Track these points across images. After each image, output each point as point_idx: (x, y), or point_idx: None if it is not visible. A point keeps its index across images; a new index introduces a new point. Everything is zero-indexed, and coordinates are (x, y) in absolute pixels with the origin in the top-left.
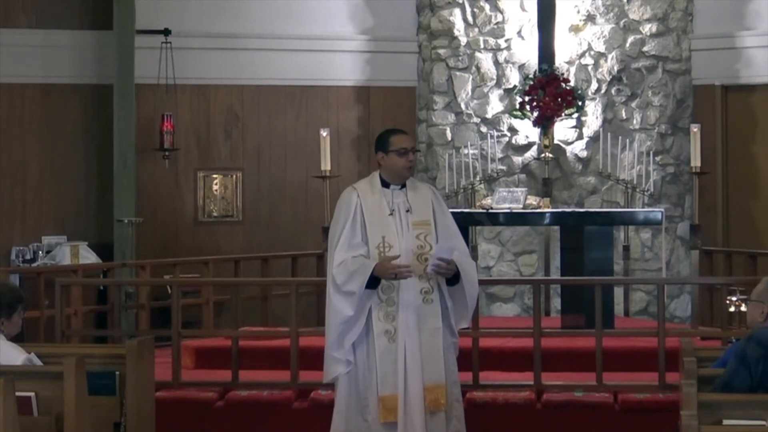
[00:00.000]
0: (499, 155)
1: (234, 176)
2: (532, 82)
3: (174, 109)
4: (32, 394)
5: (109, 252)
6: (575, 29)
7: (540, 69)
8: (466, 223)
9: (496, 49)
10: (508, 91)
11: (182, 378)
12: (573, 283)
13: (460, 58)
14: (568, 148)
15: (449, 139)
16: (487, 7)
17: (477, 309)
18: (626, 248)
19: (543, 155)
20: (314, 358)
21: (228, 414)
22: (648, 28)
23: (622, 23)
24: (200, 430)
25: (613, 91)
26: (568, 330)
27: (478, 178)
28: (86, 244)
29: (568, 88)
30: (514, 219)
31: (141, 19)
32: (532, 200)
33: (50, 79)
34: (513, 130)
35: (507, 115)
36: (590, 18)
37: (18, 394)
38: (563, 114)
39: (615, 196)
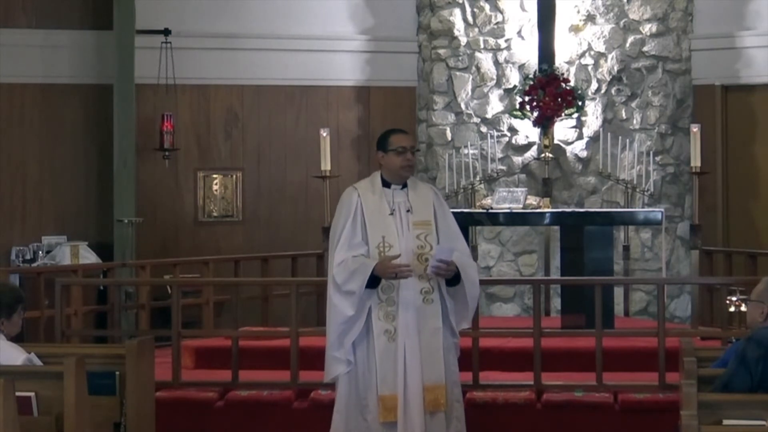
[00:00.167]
0: (499, 155)
1: (234, 176)
2: (532, 82)
3: (174, 109)
4: (32, 394)
5: (109, 252)
6: (575, 29)
7: (540, 69)
8: (466, 223)
9: (496, 49)
10: (508, 91)
11: (182, 378)
12: (573, 283)
13: (460, 58)
14: (568, 148)
15: (449, 139)
16: (487, 7)
17: (477, 309)
18: (626, 248)
19: (543, 155)
20: (314, 358)
21: (228, 414)
22: (648, 28)
23: (622, 23)
24: (200, 430)
25: (613, 91)
26: (568, 330)
27: (478, 178)
28: (86, 244)
29: (568, 88)
30: (514, 219)
31: (141, 19)
32: (532, 200)
33: (50, 79)
34: (513, 130)
35: (507, 115)
36: (590, 18)
37: (18, 394)
38: (563, 114)
39: (615, 196)
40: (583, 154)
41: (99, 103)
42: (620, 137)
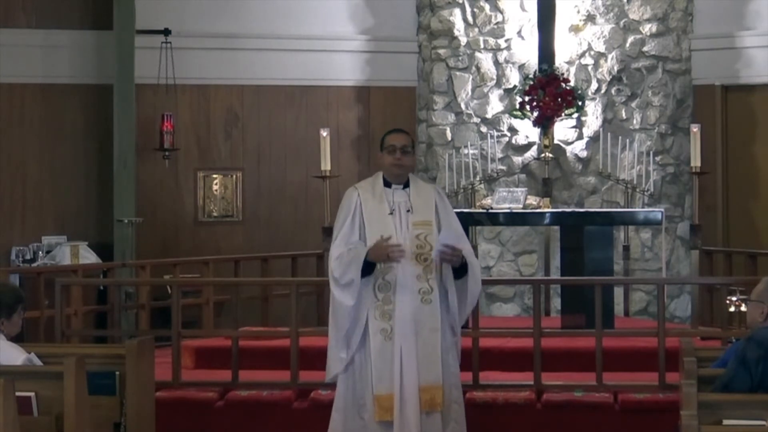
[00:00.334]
0: (499, 155)
1: (234, 176)
2: (532, 82)
3: (174, 109)
4: (32, 394)
5: (109, 252)
6: (575, 29)
7: (540, 69)
8: (466, 223)
9: (496, 49)
10: (508, 91)
11: (182, 378)
12: (573, 283)
13: (460, 58)
14: (568, 148)
15: (449, 139)
16: (487, 7)
17: (477, 309)
18: (626, 248)
19: (543, 155)
20: (314, 358)
21: (228, 414)
22: (648, 28)
23: (622, 23)
24: (200, 430)
25: (613, 91)
26: (568, 330)
27: (478, 178)
28: (86, 244)
29: (568, 88)
30: (514, 219)
31: (141, 19)
32: (532, 200)
33: (50, 79)
34: (513, 130)
35: (507, 115)
36: (590, 18)
37: (18, 394)
38: (563, 114)
39: (615, 196)
40: (583, 154)
41: (99, 103)
42: (620, 137)
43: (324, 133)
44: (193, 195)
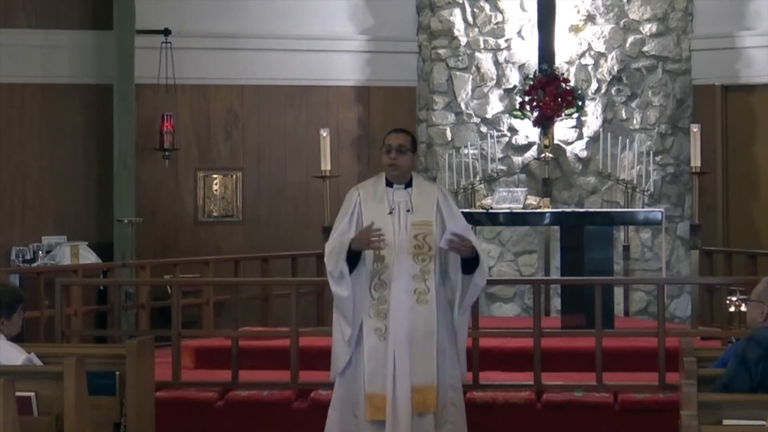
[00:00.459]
0: (499, 155)
1: (234, 176)
2: (532, 82)
3: (174, 109)
4: (32, 394)
5: (109, 252)
6: (575, 29)
7: (540, 69)
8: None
9: (496, 49)
10: (508, 91)
11: (182, 378)
12: (573, 283)
13: (460, 58)
14: (568, 148)
15: (449, 139)
16: (487, 7)
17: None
18: (626, 248)
19: (543, 155)
20: (314, 358)
21: (228, 414)
22: (648, 28)
23: (622, 23)
24: (200, 430)
25: (613, 91)
26: (568, 330)
27: (478, 178)
28: (86, 244)
29: (568, 88)
30: (514, 219)
31: (141, 19)
32: (532, 200)
33: (50, 79)
34: (513, 130)
35: (507, 115)
36: (590, 18)
37: (18, 394)
38: (563, 114)
39: (615, 196)
40: (583, 154)
41: (99, 103)
42: (620, 137)
43: (324, 133)
44: (193, 195)
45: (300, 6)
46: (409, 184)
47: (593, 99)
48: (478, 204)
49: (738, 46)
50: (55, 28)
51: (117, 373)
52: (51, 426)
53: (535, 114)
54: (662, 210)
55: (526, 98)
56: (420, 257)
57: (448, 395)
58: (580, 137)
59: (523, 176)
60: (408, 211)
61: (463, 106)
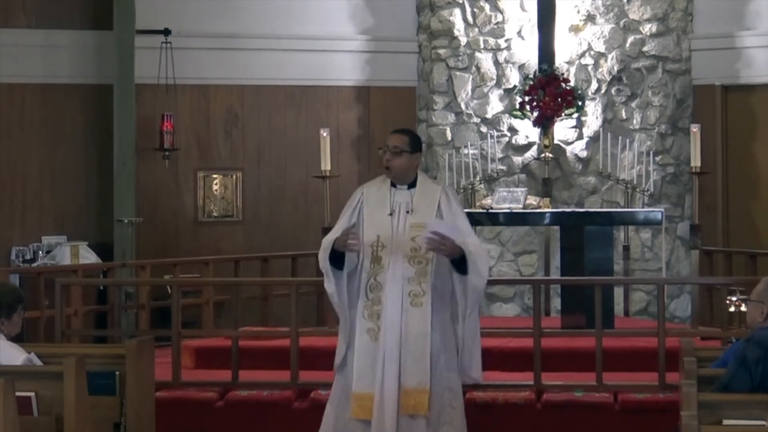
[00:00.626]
0: (499, 155)
1: (234, 176)
2: (532, 82)
3: (174, 109)
4: (32, 394)
5: (109, 252)
6: (575, 29)
7: (540, 69)
8: None
9: (496, 49)
10: (508, 91)
11: (182, 378)
12: (573, 283)
13: (460, 58)
14: (568, 148)
15: (449, 139)
16: (487, 7)
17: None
18: (626, 248)
19: (543, 155)
20: (314, 358)
21: (228, 414)
22: (648, 28)
23: (622, 23)
24: (200, 430)
25: (613, 91)
26: (568, 330)
27: (478, 178)
28: (86, 244)
29: (568, 88)
30: (514, 219)
31: (141, 19)
32: (532, 200)
33: (50, 79)
34: (513, 130)
35: (507, 115)
36: (590, 18)
37: (18, 394)
38: (563, 114)
39: (615, 196)
40: (583, 154)
41: (99, 103)
42: (620, 137)
43: (324, 133)
44: (193, 195)
45: (300, 6)
46: (412, 185)
47: (593, 99)
48: (478, 204)
49: (738, 46)
50: (55, 28)
51: (117, 373)
52: (51, 426)
53: (535, 114)
54: (662, 210)
55: (526, 98)
56: (416, 259)
57: (444, 397)
58: (580, 137)
59: (523, 176)
60: (408, 212)
61: (463, 106)
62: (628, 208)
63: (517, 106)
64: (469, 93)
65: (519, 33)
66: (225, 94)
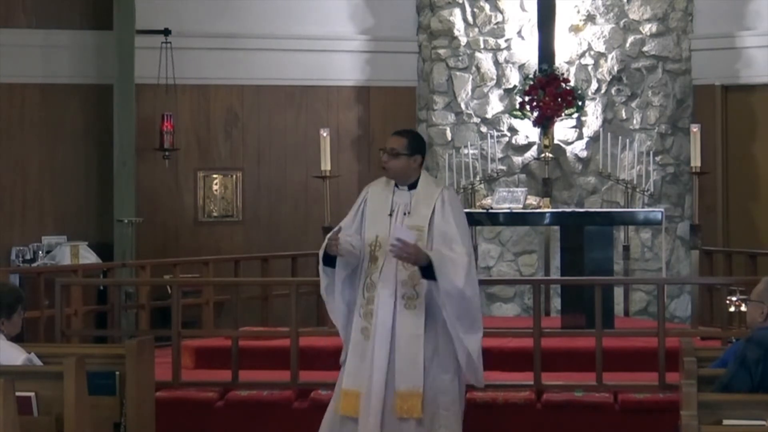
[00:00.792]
0: (499, 155)
1: (234, 176)
2: (532, 82)
3: (174, 109)
4: (32, 394)
5: (109, 252)
6: (575, 29)
7: (540, 69)
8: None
9: (496, 49)
10: (508, 91)
11: (182, 378)
12: (573, 283)
13: (460, 58)
14: (568, 148)
15: (449, 139)
16: (487, 7)
17: None
18: (626, 248)
19: (543, 155)
20: (314, 358)
21: (228, 414)
22: (648, 28)
23: (622, 23)
24: (200, 430)
25: (613, 91)
26: (568, 330)
27: (478, 178)
28: (86, 244)
29: (568, 88)
30: (514, 219)
31: (141, 19)
32: (532, 200)
33: (50, 79)
34: (513, 130)
35: (507, 115)
36: (590, 18)
37: (18, 394)
38: (563, 114)
39: (615, 196)
40: (583, 154)
41: (99, 103)
42: (620, 137)
43: (324, 133)
44: (193, 195)
45: (300, 6)
46: (414, 186)
47: (593, 99)
48: (478, 204)
49: (738, 46)
50: (55, 28)
51: (117, 373)
52: (51, 426)
53: (535, 114)
54: (662, 210)
55: (526, 98)
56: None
57: (438, 401)
58: (580, 137)
59: (523, 176)
60: (405, 213)
61: (463, 106)
62: (628, 208)
63: (517, 106)
64: (469, 93)
65: (519, 33)
66: (225, 94)
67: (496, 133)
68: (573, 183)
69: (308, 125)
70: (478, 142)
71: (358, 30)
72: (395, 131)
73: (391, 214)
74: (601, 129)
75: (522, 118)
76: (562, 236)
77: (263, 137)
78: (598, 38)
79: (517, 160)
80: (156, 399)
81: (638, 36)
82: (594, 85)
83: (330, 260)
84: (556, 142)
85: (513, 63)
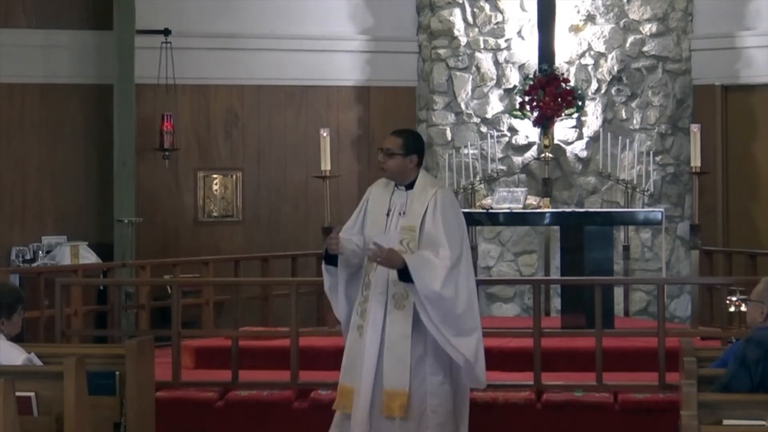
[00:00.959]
0: (499, 155)
1: (234, 176)
2: (532, 82)
3: (174, 109)
4: (32, 394)
5: (109, 252)
6: (575, 29)
7: (540, 69)
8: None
9: (496, 49)
10: (508, 91)
11: (182, 378)
12: (573, 283)
13: (460, 58)
14: (568, 148)
15: (449, 139)
16: (487, 7)
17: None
18: (626, 248)
19: (543, 155)
20: (314, 358)
21: (228, 414)
22: (648, 28)
23: (622, 23)
24: (200, 430)
25: (613, 91)
26: (568, 330)
27: (478, 178)
28: (86, 244)
29: (568, 88)
30: (514, 219)
31: (141, 19)
32: (532, 200)
33: (50, 79)
34: (513, 130)
35: (507, 115)
36: (590, 18)
37: (18, 394)
38: (563, 114)
39: (615, 196)
40: (583, 154)
41: (99, 103)
42: (620, 137)
43: (324, 133)
44: (193, 195)
45: (300, 6)
46: (411, 186)
47: (593, 99)
48: (478, 204)
49: (738, 46)
50: (55, 28)
51: (117, 373)
52: (51, 426)
53: (535, 114)
54: (662, 210)
55: (526, 98)
56: None
57: (427, 402)
58: (580, 137)
59: (523, 176)
60: (401, 214)
61: (463, 106)
62: (628, 208)
63: (517, 106)
64: (469, 93)
65: (519, 33)
66: (225, 94)
67: (496, 133)
68: (573, 183)
69: (308, 125)
70: (478, 142)
71: (358, 30)
72: (393, 131)
73: (388, 214)
74: (601, 129)
75: (522, 118)
76: (562, 236)
77: (263, 137)
78: (598, 38)
79: (517, 160)
80: (156, 399)
81: (638, 36)
82: (594, 85)
83: (332, 259)
84: (556, 142)
85: (513, 63)
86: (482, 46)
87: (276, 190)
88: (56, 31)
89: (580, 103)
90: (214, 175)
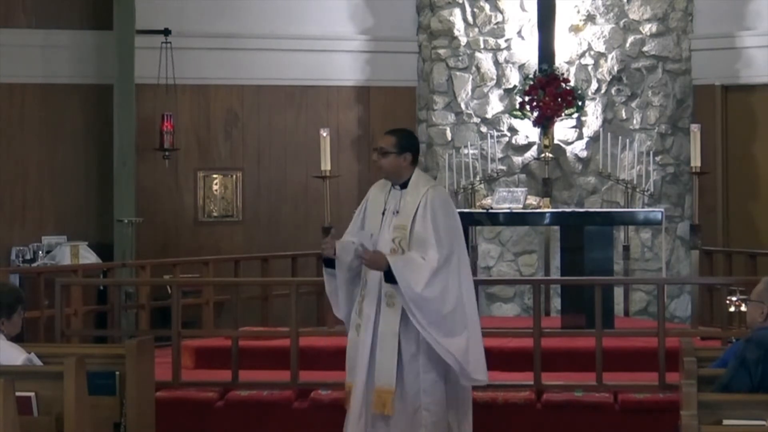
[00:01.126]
0: (499, 155)
1: (234, 176)
2: (532, 82)
3: (174, 109)
4: (32, 394)
5: (109, 252)
6: (575, 29)
7: (540, 69)
8: (466, 223)
9: (496, 49)
10: (508, 91)
11: (182, 378)
12: (573, 283)
13: (460, 58)
14: (568, 148)
15: (449, 139)
16: (487, 7)
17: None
18: (626, 248)
19: (543, 155)
20: (314, 358)
21: (228, 414)
22: (648, 28)
23: (622, 23)
24: (200, 430)
25: (613, 91)
26: (568, 330)
27: (478, 178)
28: (86, 244)
29: (568, 88)
30: (514, 219)
31: (141, 19)
32: (532, 200)
33: (50, 79)
34: (513, 130)
35: (507, 115)
36: (590, 18)
37: (18, 394)
38: (563, 114)
39: (615, 196)
40: (583, 154)
41: (99, 103)
42: (620, 137)
43: (324, 133)
44: (193, 195)
45: (300, 6)
46: (406, 185)
47: (593, 99)
48: (478, 204)
49: (738, 46)
50: (55, 28)
51: (117, 373)
52: (51, 426)
53: (535, 114)
54: (662, 210)
55: (526, 98)
56: None
57: (419, 400)
58: (580, 137)
59: (523, 176)
60: (395, 213)
61: (463, 106)
62: (628, 208)
63: (517, 106)
64: (469, 93)
65: (519, 33)
66: (225, 94)
67: (496, 133)
68: (573, 183)
69: (308, 125)
70: (478, 142)
71: (358, 30)
72: (387, 131)
73: (383, 214)
74: (601, 129)
75: (522, 118)
76: (562, 236)
77: (263, 137)
78: (598, 38)
79: (517, 160)
80: (156, 399)
81: (638, 36)
82: (594, 85)
83: (331, 262)
84: (556, 142)
85: (513, 63)
86: (482, 46)
87: (276, 190)
88: (56, 31)
89: (580, 103)
90: (214, 175)
